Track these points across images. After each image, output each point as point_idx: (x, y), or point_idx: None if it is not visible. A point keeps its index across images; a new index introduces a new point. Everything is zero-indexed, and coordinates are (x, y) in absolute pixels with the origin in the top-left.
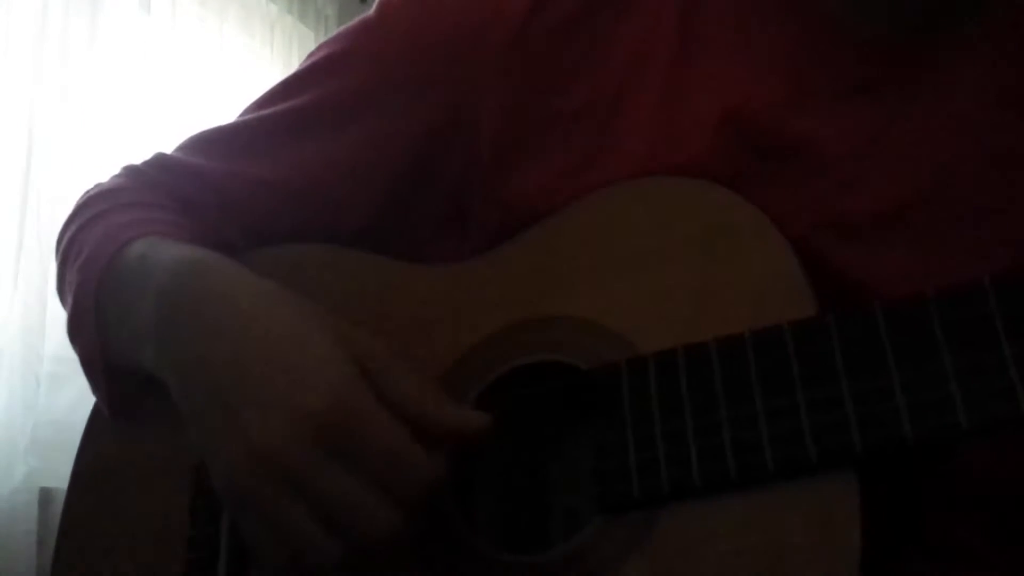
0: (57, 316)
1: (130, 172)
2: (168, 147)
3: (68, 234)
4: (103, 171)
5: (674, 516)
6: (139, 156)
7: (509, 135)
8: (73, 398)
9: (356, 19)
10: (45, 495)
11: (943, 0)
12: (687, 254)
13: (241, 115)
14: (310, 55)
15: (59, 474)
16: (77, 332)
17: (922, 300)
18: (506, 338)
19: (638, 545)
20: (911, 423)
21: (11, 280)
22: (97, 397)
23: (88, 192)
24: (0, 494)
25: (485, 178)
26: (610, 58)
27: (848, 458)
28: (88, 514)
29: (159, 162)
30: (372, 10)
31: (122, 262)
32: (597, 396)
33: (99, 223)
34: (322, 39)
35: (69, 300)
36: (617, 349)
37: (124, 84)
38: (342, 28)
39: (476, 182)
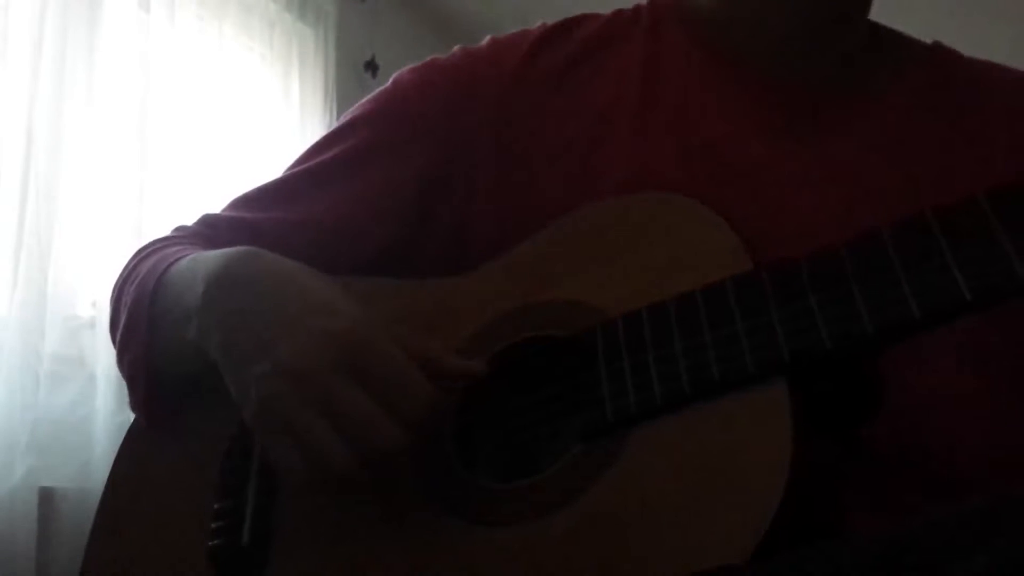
0: (57, 316)
1: (178, 228)
2: (168, 145)
3: (124, 273)
4: (102, 169)
5: (641, 434)
6: (139, 155)
7: (504, 173)
8: (73, 397)
9: (376, 91)
10: (45, 494)
11: (852, 64)
12: (652, 244)
13: (280, 175)
14: (338, 121)
15: (59, 473)
16: (127, 344)
17: (836, 246)
18: (501, 324)
19: (611, 463)
20: (827, 332)
21: (10, 278)
22: (135, 410)
23: (142, 245)
24: None
25: (484, 209)
26: (587, 105)
27: (779, 366)
28: (122, 513)
29: (204, 219)
30: (389, 82)
31: (174, 269)
32: (577, 354)
33: (151, 257)
34: (322, 38)
35: (123, 317)
36: (594, 319)
37: (123, 83)
38: (364, 98)
39: (477, 213)
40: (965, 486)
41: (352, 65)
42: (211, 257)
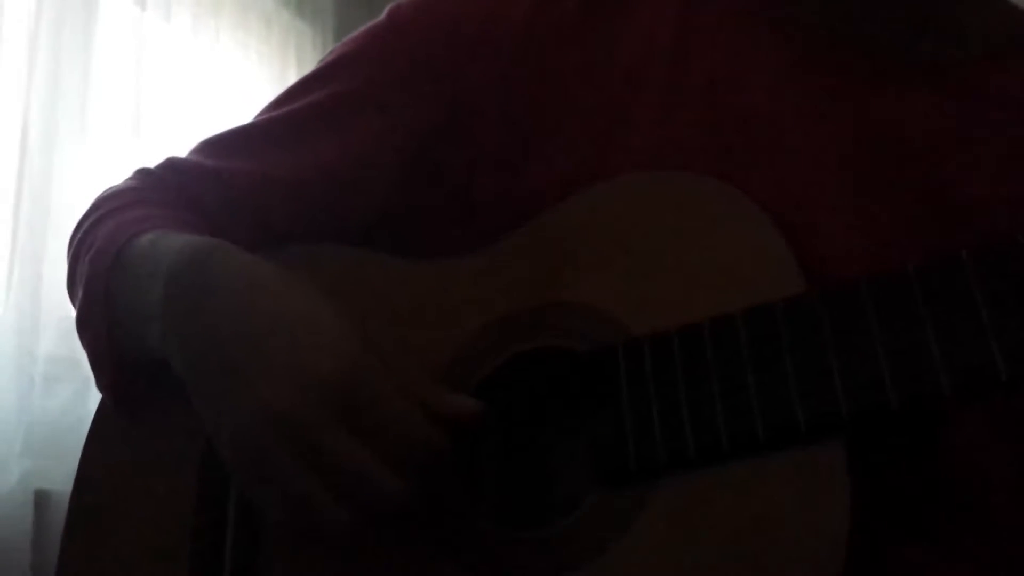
0: (52, 317)
1: (141, 174)
2: (163, 143)
3: (79, 233)
4: (99, 168)
5: (669, 489)
6: (136, 153)
7: (515, 134)
8: (68, 399)
9: (368, 23)
10: (40, 497)
11: (924, 32)
12: (680, 241)
13: (255, 117)
14: (324, 57)
15: (54, 476)
16: (86, 322)
17: (905, 275)
18: (507, 326)
19: (637, 519)
20: (895, 390)
21: (5, 280)
22: (102, 391)
23: (100, 194)
24: None
25: (492, 176)
26: (612, 59)
27: (835, 425)
28: (93, 513)
29: (170, 164)
30: (384, 15)
31: (132, 250)
32: (595, 378)
33: (110, 220)
34: (319, 35)
35: (79, 293)
36: (613, 333)
37: (119, 81)
38: (355, 32)
39: (483, 179)
40: (1007, 513)
41: None
42: (172, 250)
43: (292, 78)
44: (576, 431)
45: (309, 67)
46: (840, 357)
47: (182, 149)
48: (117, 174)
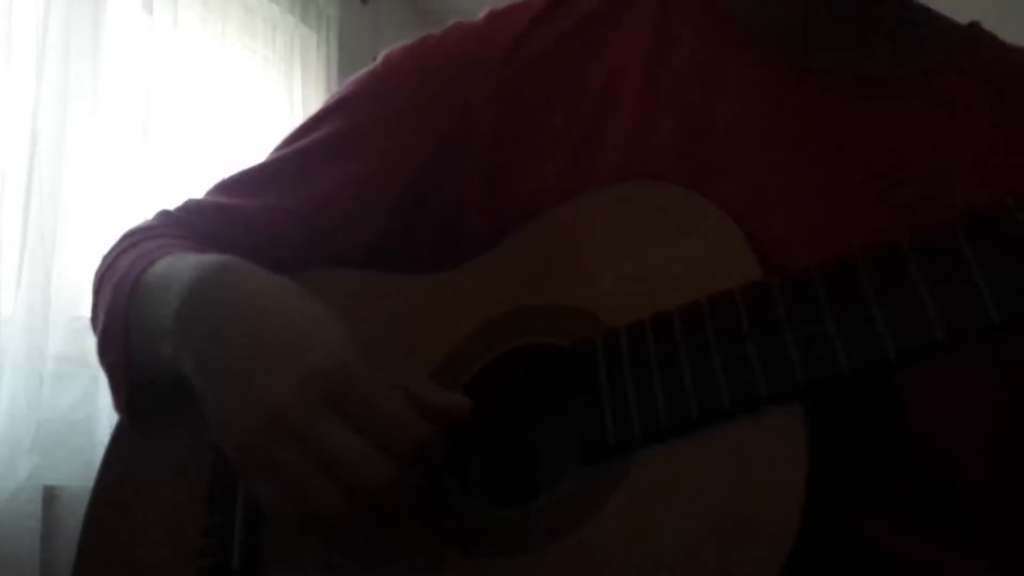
0: (61, 316)
1: (161, 214)
2: (171, 145)
3: (103, 267)
4: (105, 171)
5: (646, 459)
6: (142, 156)
7: (499, 155)
8: (77, 396)
9: (365, 69)
10: (49, 493)
11: (876, 48)
12: (658, 245)
13: (266, 157)
14: (325, 101)
15: (63, 472)
16: (107, 345)
17: (850, 259)
18: (495, 328)
19: (615, 488)
20: (846, 359)
21: (15, 280)
22: (118, 411)
23: (124, 232)
24: (4, 492)
25: (479, 193)
26: (586, 85)
27: (793, 394)
28: (110, 513)
29: (187, 206)
30: (379, 61)
31: (151, 273)
32: (577, 367)
33: (132, 251)
34: (324, 40)
35: (101, 317)
36: (596, 329)
37: (126, 85)
38: (353, 76)
39: (471, 198)
40: (972, 487)
41: (354, 67)
42: (185, 268)
43: (297, 82)
44: (562, 418)
45: (313, 72)
46: (795, 334)
47: (190, 151)
48: (125, 176)
